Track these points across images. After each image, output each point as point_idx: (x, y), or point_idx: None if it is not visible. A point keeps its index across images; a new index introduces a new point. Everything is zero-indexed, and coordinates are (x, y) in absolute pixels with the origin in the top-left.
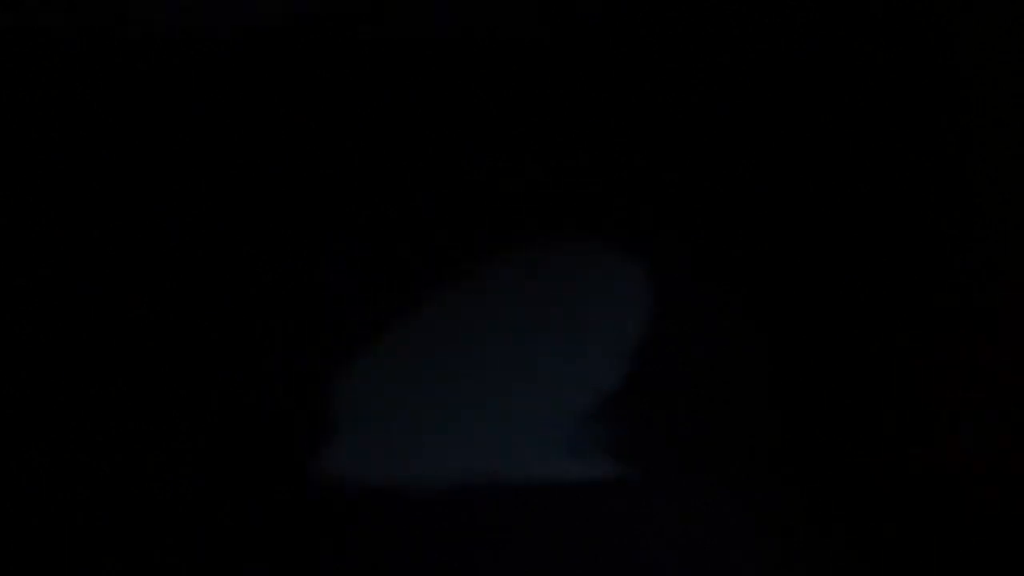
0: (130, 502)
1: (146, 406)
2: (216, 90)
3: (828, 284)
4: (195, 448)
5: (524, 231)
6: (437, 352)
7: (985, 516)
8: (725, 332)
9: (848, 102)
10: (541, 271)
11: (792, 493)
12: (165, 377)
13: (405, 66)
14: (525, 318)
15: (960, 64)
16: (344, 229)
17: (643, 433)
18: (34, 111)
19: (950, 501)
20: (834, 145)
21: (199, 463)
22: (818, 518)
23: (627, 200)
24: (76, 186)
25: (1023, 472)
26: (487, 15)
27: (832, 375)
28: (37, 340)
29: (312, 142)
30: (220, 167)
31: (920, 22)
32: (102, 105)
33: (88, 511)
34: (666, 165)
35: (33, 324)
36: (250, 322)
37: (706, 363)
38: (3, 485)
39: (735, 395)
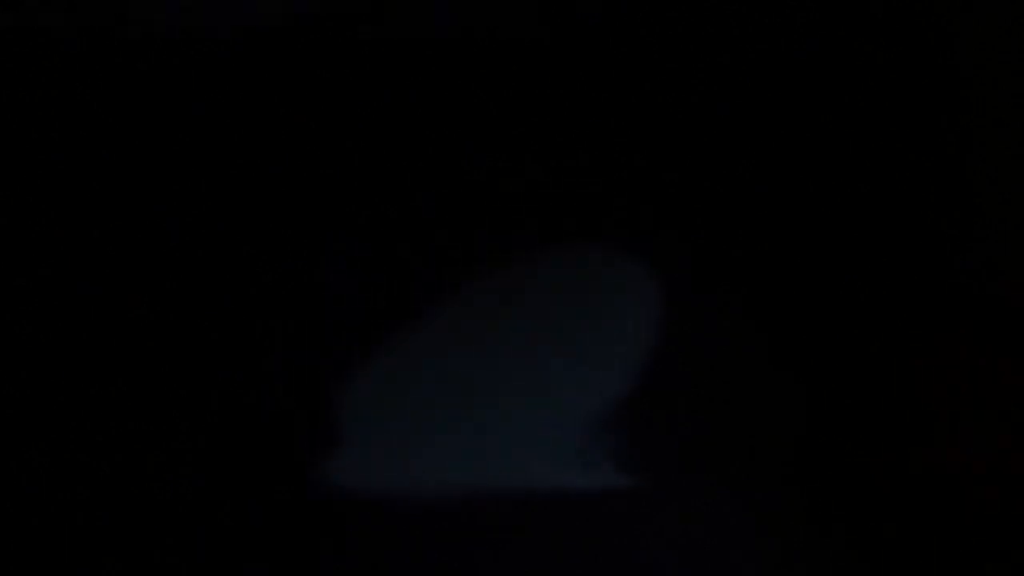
0: (135, 515)
1: (151, 416)
2: (217, 90)
3: (831, 288)
4: (201, 455)
5: (531, 239)
6: (444, 360)
7: (985, 516)
8: (732, 341)
9: (848, 103)
10: (547, 280)
11: (799, 502)
12: (170, 385)
13: (410, 67)
14: (532, 327)
15: (960, 64)
16: (350, 235)
17: (649, 442)
18: (34, 111)
19: (950, 501)
20: (840, 148)
21: (205, 470)
22: (826, 530)
23: (635, 210)
24: (76, 187)
25: (1023, 472)
26: (489, 15)
27: (836, 380)
28: (39, 347)
29: (316, 146)
30: (222, 168)
31: (920, 22)
32: (102, 105)
33: (92, 514)
34: (674, 175)
35: (34, 329)
36: (256, 330)
37: (713, 373)
38: (3, 487)
39: (742, 404)
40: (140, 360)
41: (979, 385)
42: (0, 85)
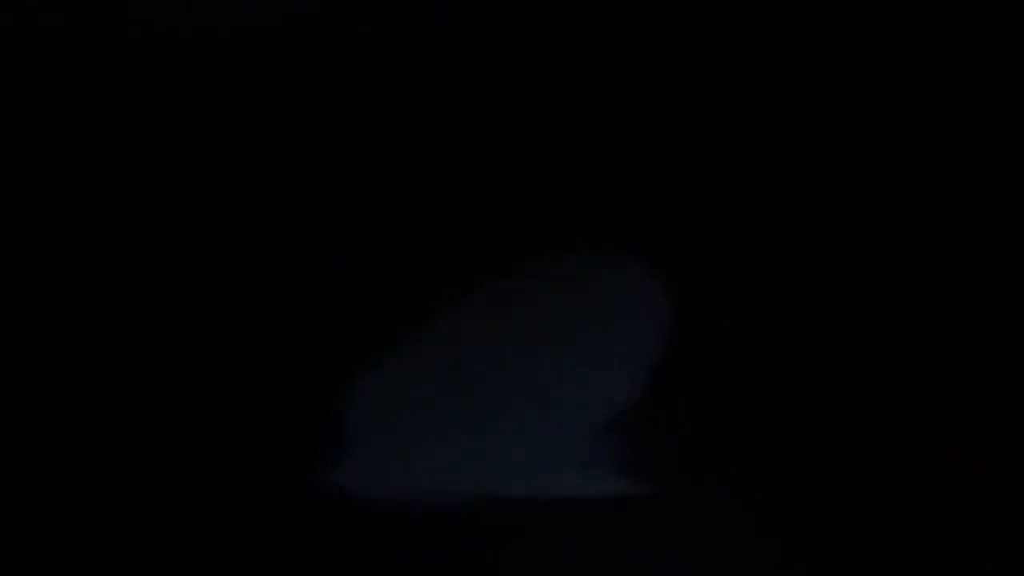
0: (137, 525)
1: (157, 421)
2: (217, 91)
3: (832, 288)
4: (208, 459)
5: (535, 244)
6: (451, 365)
7: (985, 516)
8: (740, 347)
9: (848, 103)
10: (553, 285)
11: (803, 505)
12: (175, 389)
13: (415, 68)
14: (537, 332)
15: (960, 64)
16: (355, 237)
17: (657, 449)
18: (34, 111)
19: (950, 501)
20: (841, 149)
21: (212, 474)
22: (827, 531)
23: (644, 215)
24: (77, 187)
25: (1023, 472)
26: (492, 16)
27: (837, 381)
28: (40, 351)
29: (320, 148)
30: (224, 169)
31: (920, 22)
32: (102, 105)
33: (97, 519)
34: (677, 178)
35: (35, 332)
36: (261, 335)
37: (721, 379)
38: (4, 490)
39: (750, 411)
40: (145, 364)
41: (979, 385)
42: (0, 85)
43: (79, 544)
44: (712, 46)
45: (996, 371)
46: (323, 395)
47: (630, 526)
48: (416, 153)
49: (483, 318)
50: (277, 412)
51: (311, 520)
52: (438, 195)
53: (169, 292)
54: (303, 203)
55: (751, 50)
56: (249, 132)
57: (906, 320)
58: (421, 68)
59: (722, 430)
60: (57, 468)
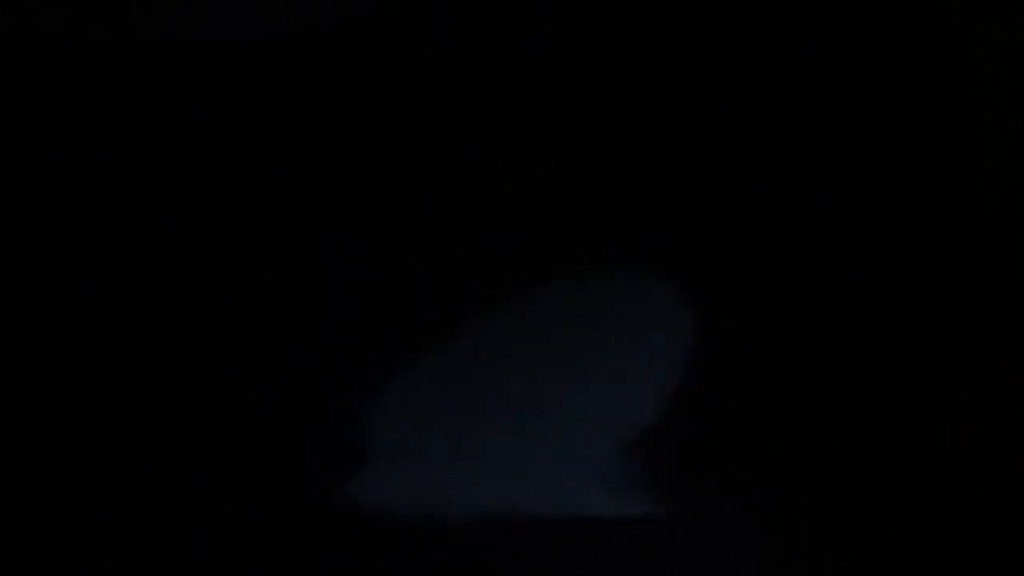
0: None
1: (164, 433)
2: (218, 91)
3: (832, 289)
4: (221, 476)
5: (558, 259)
6: (471, 381)
7: (985, 516)
8: (763, 368)
9: (848, 103)
10: (578, 302)
11: (830, 532)
12: (181, 397)
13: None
14: (562, 349)
15: (960, 64)
16: (373, 245)
17: (678, 469)
18: (34, 111)
19: (950, 501)
20: (841, 149)
21: (225, 491)
22: (826, 530)
23: (669, 233)
24: (77, 188)
25: (1023, 472)
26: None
27: (837, 381)
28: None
29: (338, 157)
30: (228, 172)
31: (920, 22)
32: (102, 105)
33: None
34: (707, 198)
35: (35, 335)
36: (277, 349)
37: (743, 399)
38: (3, 492)
39: (772, 432)
40: (152, 373)
41: (979, 385)
42: (0, 85)
43: (80, 544)
44: (712, 47)
45: (996, 371)
46: (342, 409)
47: (647, 545)
48: (441, 164)
49: (502, 333)
50: (294, 426)
51: (325, 536)
52: (462, 206)
53: (178, 298)
54: (318, 210)
55: (752, 50)
56: (253, 136)
57: (906, 320)
58: (443, 80)
59: (742, 450)
60: (60, 467)
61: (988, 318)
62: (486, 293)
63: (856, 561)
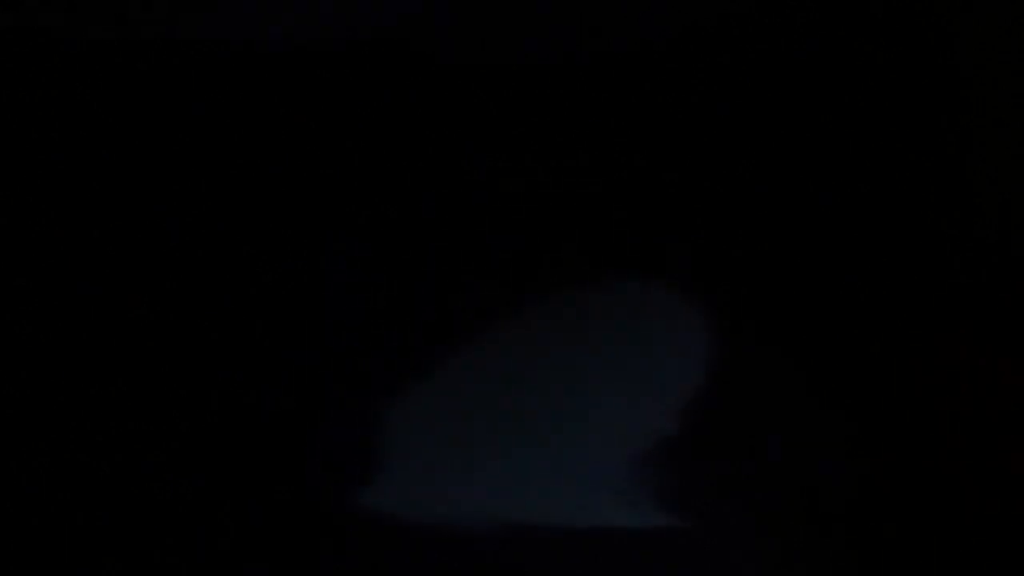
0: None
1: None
2: (219, 92)
3: (832, 288)
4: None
5: (581, 271)
6: (488, 393)
7: (985, 516)
8: (781, 381)
9: (848, 103)
10: (596, 314)
11: (851, 543)
12: (193, 403)
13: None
14: (579, 361)
15: (960, 64)
16: (389, 254)
17: (695, 481)
18: (34, 111)
19: (950, 501)
20: (841, 150)
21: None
22: (826, 530)
23: (687, 245)
24: (78, 188)
25: (1023, 472)
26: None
27: (837, 381)
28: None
29: (359, 165)
30: (233, 176)
31: (920, 22)
32: (103, 106)
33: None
34: (724, 211)
35: (36, 337)
36: (286, 354)
37: (760, 412)
38: (3, 493)
39: (790, 444)
40: (158, 375)
41: (979, 385)
42: (0, 85)
43: (80, 544)
44: (712, 47)
45: (996, 371)
46: (357, 419)
47: (658, 555)
48: (461, 173)
49: (526, 348)
50: (312, 440)
51: (334, 543)
52: (483, 217)
53: (183, 301)
54: (329, 216)
55: (751, 51)
56: (255, 138)
57: (906, 320)
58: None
59: (766, 466)
60: (61, 466)
61: (988, 318)
62: (500, 301)
63: (861, 566)
